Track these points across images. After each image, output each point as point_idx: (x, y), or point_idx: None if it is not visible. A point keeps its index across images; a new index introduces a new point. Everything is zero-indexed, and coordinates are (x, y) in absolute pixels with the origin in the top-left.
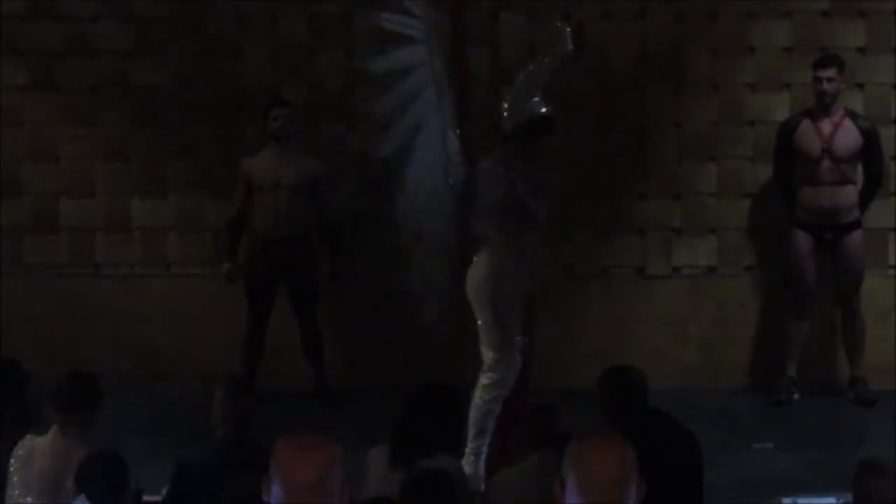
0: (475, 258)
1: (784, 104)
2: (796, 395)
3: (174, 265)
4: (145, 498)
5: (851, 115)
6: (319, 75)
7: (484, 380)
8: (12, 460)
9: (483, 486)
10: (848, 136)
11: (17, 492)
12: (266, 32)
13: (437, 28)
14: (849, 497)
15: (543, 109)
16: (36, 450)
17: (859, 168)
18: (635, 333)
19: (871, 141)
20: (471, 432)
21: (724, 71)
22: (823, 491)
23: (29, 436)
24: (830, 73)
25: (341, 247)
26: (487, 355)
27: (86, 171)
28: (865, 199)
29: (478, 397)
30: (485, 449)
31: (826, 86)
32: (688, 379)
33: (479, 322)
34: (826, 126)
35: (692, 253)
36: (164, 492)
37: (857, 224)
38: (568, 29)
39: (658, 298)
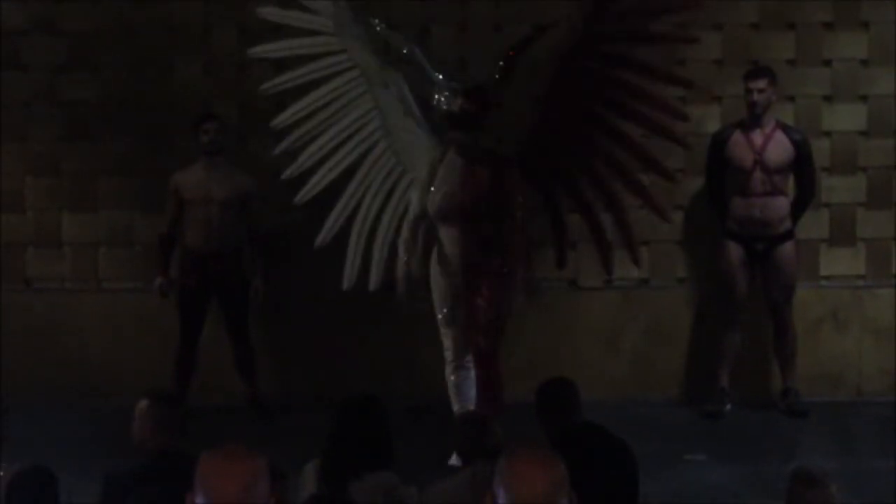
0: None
1: (715, 116)
2: (728, 407)
3: (105, 280)
4: None
5: (783, 126)
6: (251, 89)
7: None
8: None
9: None
10: (780, 148)
11: None
12: (197, 46)
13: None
14: None
15: (456, 105)
16: None
17: (791, 180)
18: (568, 345)
19: (802, 152)
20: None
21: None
22: (756, 502)
23: None
24: (761, 84)
25: (274, 261)
26: None
27: (16, 185)
28: (797, 210)
29: None
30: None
31: (757, 97)
32: (620, 390)
33: None
34: (758, 137)
35: (624, 265)
36: None
37: (788, 235)
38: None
39: (590, 310)
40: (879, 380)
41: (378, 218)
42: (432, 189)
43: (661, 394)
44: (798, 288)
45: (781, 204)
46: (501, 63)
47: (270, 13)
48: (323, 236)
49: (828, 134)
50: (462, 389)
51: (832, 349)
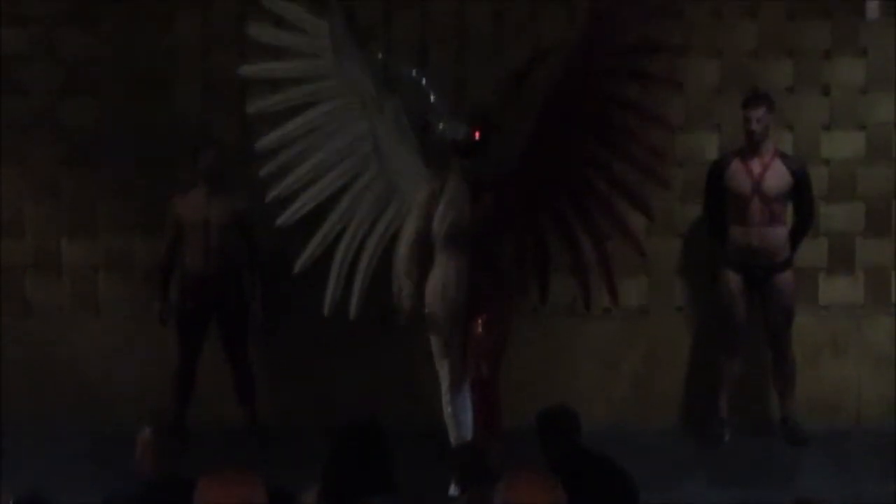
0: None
1: (713, 144)
2: (728, 434)
3: (105, 305)
4: None
5: (782, 154)
6: (250, 114)
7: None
8: None
9: None
10: (778, 176)
11: None
12: (196, 70)
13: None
14: None
15: (460, 134)
16: None
17: (790, 208)
18: (567, 372)
19: (801, 181)
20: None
21: (654, 110)
22: None
23: None
24: (760, 112)
25: (273, 284)
26: None
27: (15, 210)
28: (796, 239)
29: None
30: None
31: (755, 125)
32: (620, 417)
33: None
34: (756, 165)
35: (624, 292)
36: None
37: (787, 264)
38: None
39: (590, 337)
40: (879, 407)
41: (362, 245)
42: (436, 217)
43: (660, 421)
44: (797, 315)
45: (780, 232)
46: (503, 89)
47: (263, 33)
48: (304, 260)
49: (826, 162)
50: (459, 418)
51: (831, 377)
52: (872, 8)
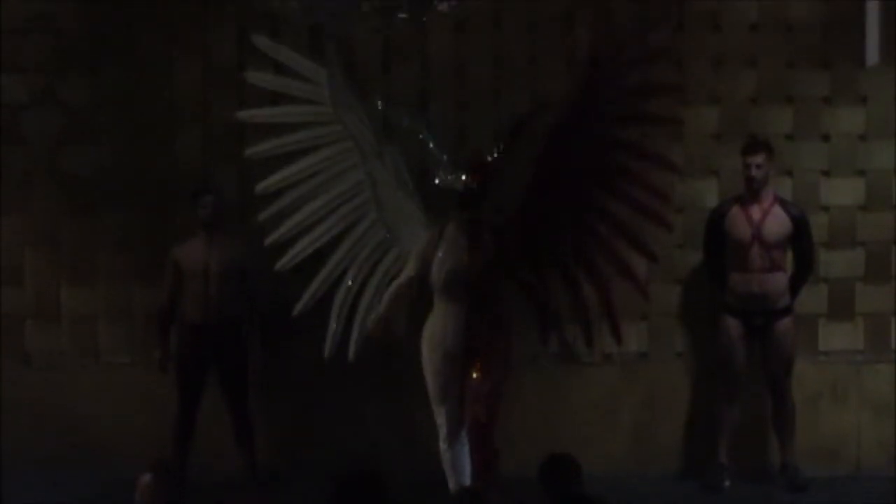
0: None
1: (713, 190)
2: (727, 481)
3: (104, 353)
4: None
5: (781, 201)
6: (250, 161)
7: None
8: None
9: None
10: (778, 223)
11: None
12: (196, 119)
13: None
14: None
15: (458, 183)
16: None
17: (789, 255)
18: (567, 418)
19: (800, 227)
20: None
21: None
22: None
23: None
24: (759, 158)
25: (273, 333)
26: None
27: (15, 258)
28: (795, 285)
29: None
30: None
31: (755, 172)
32: (619, 464)
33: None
34: (756, 212)
35: (623, 338)
36: None
37: (787, 311)
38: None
39: (589, 384)
40: (878, 454)
41: (362, 290)
42: (435, 263)
43: (660, 467)
44: (797, 362)
45: (779, 279)
46: (503, 142)
47: (263, 79)
48: (303, 304)
49: (826, 208)
50: (458, 465)
51: (831, 424)
52: (872, 55)
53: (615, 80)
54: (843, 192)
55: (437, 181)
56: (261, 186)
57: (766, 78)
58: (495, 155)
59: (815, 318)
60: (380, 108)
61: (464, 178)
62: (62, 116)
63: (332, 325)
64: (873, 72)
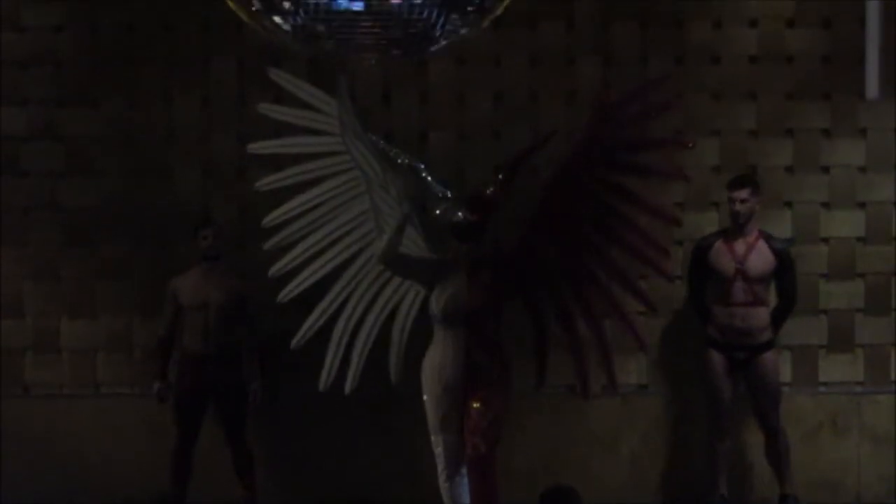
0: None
1: (713, 223)
2: None
3: (104, 385)
4: None
5: (766, 236)
6: (250, 193)
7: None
8: None
9: None
10: (762, 257)
11: None
12: (196, 151)
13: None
14: None
15: (457, 217)
16: None
17: (773, 289)
18: (567, 450)
19: (784, 263)
20: None
21: (653, 190)
22: None
23: None
24: (744, 193)
25: (272, 364)
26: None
27: (15, 290)
28: (778, 319)
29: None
30: None
31: (739, 206)
32: (619, 496)
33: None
34: (740, 246)
35: (622, 371)
36: None
37: (770, 344)
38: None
39: (589, 416)
40: (879, 486)
41: (362, 320)
42: (434, 295)
43: (660, 499)
44: (796, 394)
45: (762, 314)
46: (501, 176)
47: (272, 110)
48: (301, 335)
49: (826, 240)
50: (456, 496)
51: (831, 455)
52: (872, 87)
53: (620, 128)
54: (843, 223)
55: (437, 214)
56: (267, 220)
57: (765, 110)
58: (495, 189)
59: (815, 349)
60: (380, 145)
61: (462, 212)
62: (62, 149)
63: (330, 359)
64: (873, 104)
